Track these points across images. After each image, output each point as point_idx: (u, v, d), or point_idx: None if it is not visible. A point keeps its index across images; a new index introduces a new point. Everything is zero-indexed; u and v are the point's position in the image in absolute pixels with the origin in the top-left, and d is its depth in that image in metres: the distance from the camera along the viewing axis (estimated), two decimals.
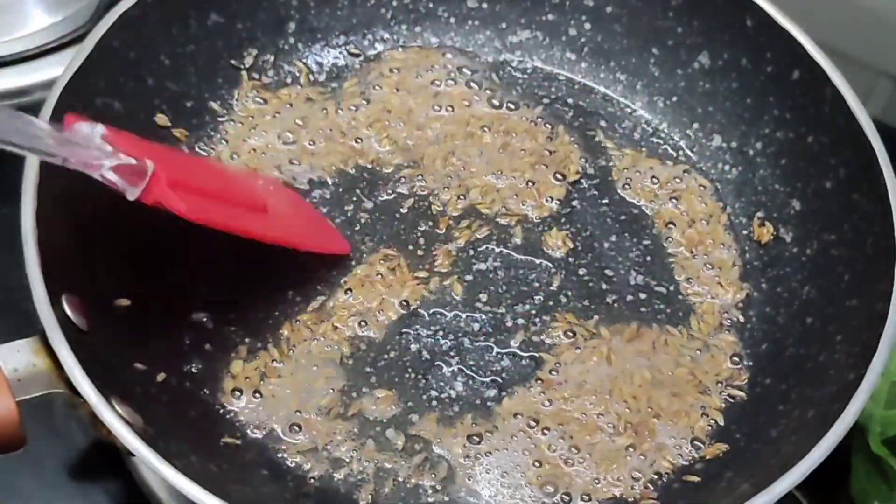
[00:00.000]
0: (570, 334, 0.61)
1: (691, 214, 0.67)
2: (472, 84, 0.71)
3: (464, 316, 0.61)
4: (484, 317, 0.61)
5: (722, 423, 0.58)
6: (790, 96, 0.66)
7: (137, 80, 0.62)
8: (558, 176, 0.67)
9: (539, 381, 0.59)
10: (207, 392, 0.57)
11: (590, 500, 0.55)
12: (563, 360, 0.60)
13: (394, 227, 0.64)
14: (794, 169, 0.66)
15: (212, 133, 0.66)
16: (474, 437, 0.57)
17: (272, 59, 0.69)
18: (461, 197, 0.66)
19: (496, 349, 0.60)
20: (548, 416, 0.58)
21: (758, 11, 0.66)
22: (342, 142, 0.67)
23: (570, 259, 0.64)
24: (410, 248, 0.64)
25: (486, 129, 0.69)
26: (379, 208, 0.65)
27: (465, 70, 0.71)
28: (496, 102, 0.70)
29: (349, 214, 0.65)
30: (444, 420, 0.58)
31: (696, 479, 0.56)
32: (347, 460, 0.56)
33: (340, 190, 0.66)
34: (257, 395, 0.57)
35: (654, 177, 0.69)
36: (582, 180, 0.68)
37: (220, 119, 0.67)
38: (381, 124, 0.68)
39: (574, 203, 0.67)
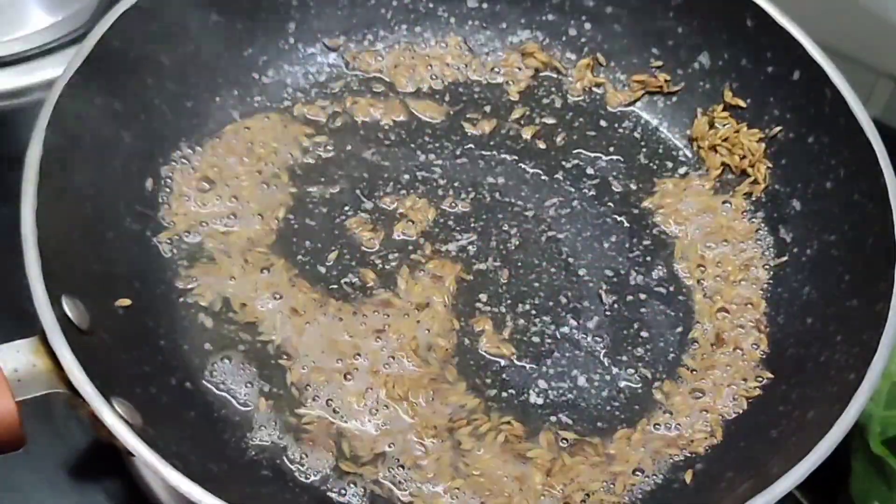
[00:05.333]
0: (570, 335, 0.61)
1: (691, 214, 0.67)
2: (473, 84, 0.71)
3: (463, 315, 0.61)
4: (484, 316, 0.61)
5: (722, 423, 0.58)
6: (790, 96, 0.66)
7: (137, 80, 0.62)
8: (558, 176, 0.68)
9: (541, 380, 0.59)
10: (208, 392, 0.57)
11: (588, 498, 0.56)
12: (565, 359, 0.60)
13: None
14: (794, 169, 0.66)
15: (211, 133, 0.66)
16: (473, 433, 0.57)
17: (272, 59, 0.69)
18: (462, 195, 0.66)
19: (495, 350, 0.60)
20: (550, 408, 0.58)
21: (758, 11, 0.66)
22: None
23: (570, 259, 0.64)
24: (410, 246, 0.64)
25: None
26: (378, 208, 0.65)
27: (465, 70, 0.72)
28: (495, 103, 0.71)
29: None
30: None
31: (696, 479, 0.56)
32: (348, 459, 0.56)
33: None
34: (258, 395, 0.57)
35: (653, 177, 0.69)
36: (583, 180, 0.68)
37: (220, 119, 0.67)
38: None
39: (574, 203, 0.67)
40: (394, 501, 0.55)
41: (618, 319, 0.62)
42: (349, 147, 0.68)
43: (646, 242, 0.66)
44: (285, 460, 0.55)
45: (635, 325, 0.62)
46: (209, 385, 0.57)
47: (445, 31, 0.73)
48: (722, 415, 0.59)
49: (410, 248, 0.64)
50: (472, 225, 0.65)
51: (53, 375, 0.48)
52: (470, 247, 0.64)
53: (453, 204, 0.66)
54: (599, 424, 0.58)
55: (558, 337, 0.61)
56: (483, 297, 0.62)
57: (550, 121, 0.70)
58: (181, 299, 0.60)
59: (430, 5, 0.72)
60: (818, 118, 0.64)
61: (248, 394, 0.57)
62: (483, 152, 0.69)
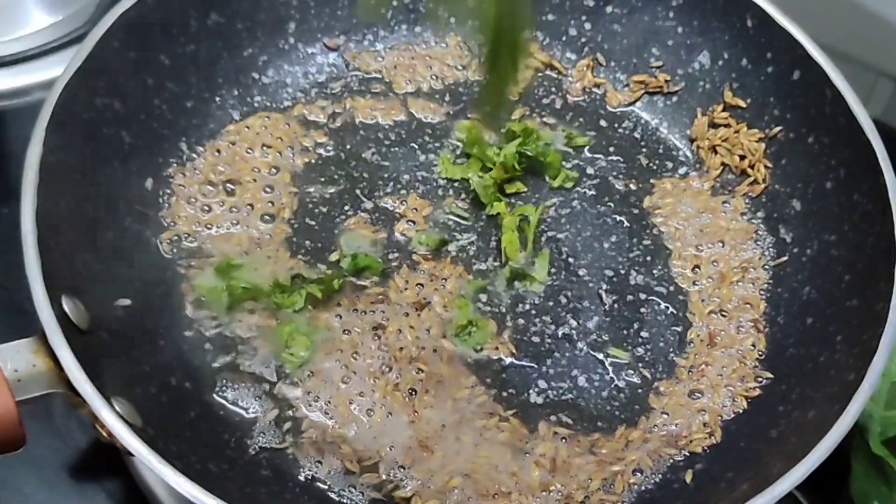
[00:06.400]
0: (570, 335, 0.61)
1: (690, 215, 0.67)
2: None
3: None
4: (484, 317, 0.61)
5: (721, 423, 0.58)
6: (790, 96, 0.66)
7: (137, 80, 0.62)
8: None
9: (541, 380, 0.59)
10: (207, 392, 0.57)
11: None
12: (565, 359, 0.60)
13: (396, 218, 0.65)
14: (794, 169, 0.66)
15: (212, 133, 0.66)
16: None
17: (272, 59, 0.69)
18: (462, 195, 0.66)
19: (495, 350, 0.60)
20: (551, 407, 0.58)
21: (758, 11, 0.66)
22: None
23: (570, 259, 0.64)
24: (410, 246, 0.64)
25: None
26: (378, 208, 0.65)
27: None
28: None
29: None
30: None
31: (695, 479, 0.56)
32: (348, 460, 0.56)
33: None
34: (257, 395, 0.57)
35: (653, 177, 0.69)
36: (583, 180, 0.68)
37: (220, 119, 0.67)
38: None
39: (574, 203, 0.67)
40: (395, 501, 0.55)
41: (618, 319, 0.62)
42: (349, 147, 0.68)
43: (646, 242, 0.66)
44: (285, 460, 0.55)
45: (635, 325, 0.62)
46: (217, 398, 0.57)
47: (445, 30, 0.73)
48: (721, 415, 0.59)
49: (410, 248, 0.64)
50: (472, 225, 0.65)
51: (53, 375, 0.48)
52: (470, 247, 0.64)
53: (453, 204, 0.66)
54: (599, 424, 0.58)
55: (558, 337, 0.61)
56: (483, 297, 0.62)
57: (550, 121, 0.70)
58: (181, 299, 0.60)
59: (431, 5, 0.72)
60: (818, 118, 0.64)
61: (250, 400, 0.57)
62: None
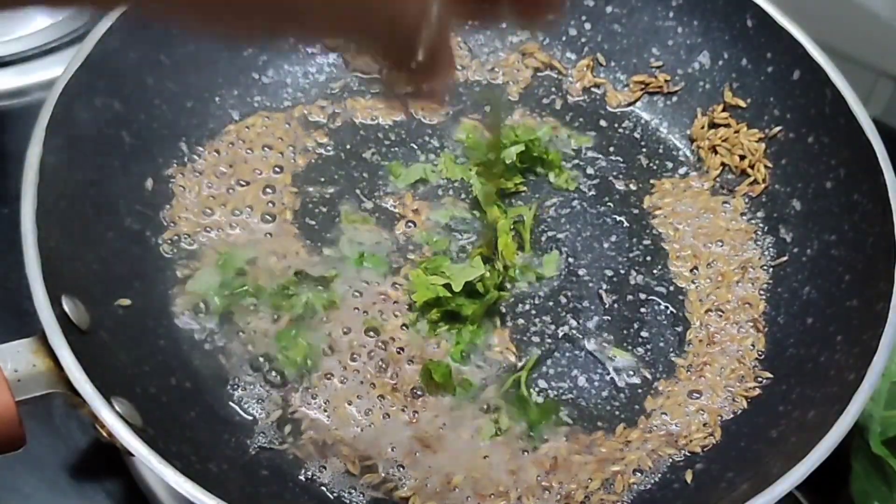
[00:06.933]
0: (570, 335, 0.61)
1: (690, 215, 0.67)
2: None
3: None
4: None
5: (721, 423, 0.58)
6: (790, 96, 0.66)
7: (137, 80, 0.62)
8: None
9: (541, 380, 0.59)
10: (207, 392, 0.57)
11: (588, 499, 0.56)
12: (565, 359, 0.60)
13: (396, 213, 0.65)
14: (795, 169, 0.66)
15: (212, 133, 0.66)
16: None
17: (272, 59, 0.69)
18: (462, 195, 0.66)
19: (495, 350, 0.60)
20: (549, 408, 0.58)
21: (758, 11, 0.66)
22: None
23: (571, 259, 0.64)
24: (410, 246, 0.64)
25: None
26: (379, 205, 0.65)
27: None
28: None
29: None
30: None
31: (696, 478, 0.56)
32: (348, 460, 0.56)
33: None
34: (256, 396, 0.57)
35: (653, 177, 0.69)
36: (583, 180, 0.68)
37: (220, 119, 0.67)
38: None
39: (574, 203, 0.67)
40: (394, 501, 0.55)
41: (618, 319, 0.62)
42: (349, 147, 0.68)
43: (645, 242, 0.66)
44: (285, 460, 0.55)
45: (635, 325, 0.62)
46: (217, 398, 0.57)
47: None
48: (721, 415, 0.59)
49: (410, 248, 0.64)
50: (472, 225, 0.65)
51: (53, 375, 0.48)
52: (470, 247, 0.64)
53: (453, 204, 0.66)
54: (599, 424, 0.58)
55: (558, 337, 0.61)
56: None
57: (550, 121, 0.70)
58: (181, 300, 0.60)
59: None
60: (818, 118, 0.64)
61: (250, 400, 0.57)
62: None
